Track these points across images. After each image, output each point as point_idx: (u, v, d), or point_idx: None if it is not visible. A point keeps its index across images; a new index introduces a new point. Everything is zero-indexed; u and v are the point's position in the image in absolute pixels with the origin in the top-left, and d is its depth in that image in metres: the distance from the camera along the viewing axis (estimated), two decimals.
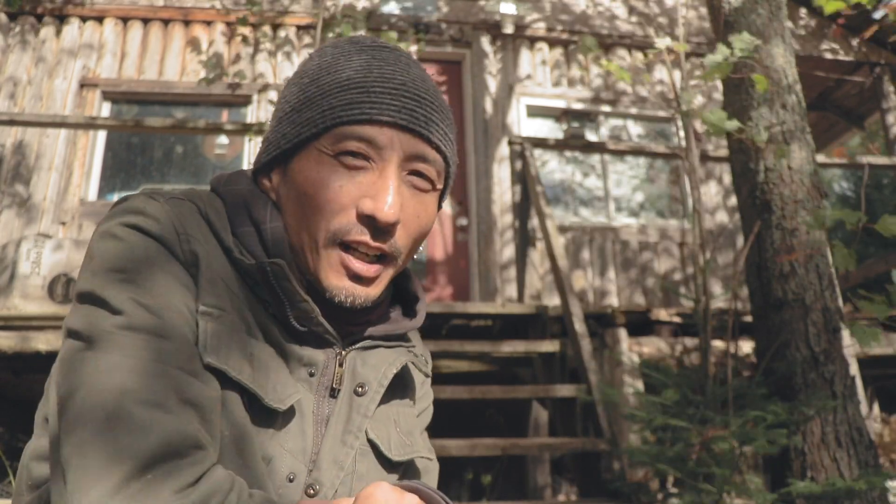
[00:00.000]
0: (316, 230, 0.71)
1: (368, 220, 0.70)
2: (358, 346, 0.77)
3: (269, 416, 0.68)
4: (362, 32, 5.07)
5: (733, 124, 2.73)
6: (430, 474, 0.85)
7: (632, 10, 6.29)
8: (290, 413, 0.69)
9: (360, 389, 0.75)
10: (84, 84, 5.30)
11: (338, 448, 0.72)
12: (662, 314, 3.97)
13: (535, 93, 5.91)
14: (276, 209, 0.75)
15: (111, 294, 0.62)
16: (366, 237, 0.70)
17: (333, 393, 0.74)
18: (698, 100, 5.99)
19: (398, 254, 0.73)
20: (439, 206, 0.80)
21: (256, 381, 0.66)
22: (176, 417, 0.58)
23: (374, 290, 0.73)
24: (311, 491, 0.70)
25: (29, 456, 0.70)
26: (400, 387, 0.81)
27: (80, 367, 0.59)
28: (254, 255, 0.72)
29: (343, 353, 0.75)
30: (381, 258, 0.72)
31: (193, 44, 5.56)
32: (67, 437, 0.56)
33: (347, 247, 0.71)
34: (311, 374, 0.72)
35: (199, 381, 0.62)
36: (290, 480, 0.68)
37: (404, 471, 0.81)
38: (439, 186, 0.77)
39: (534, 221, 5.03)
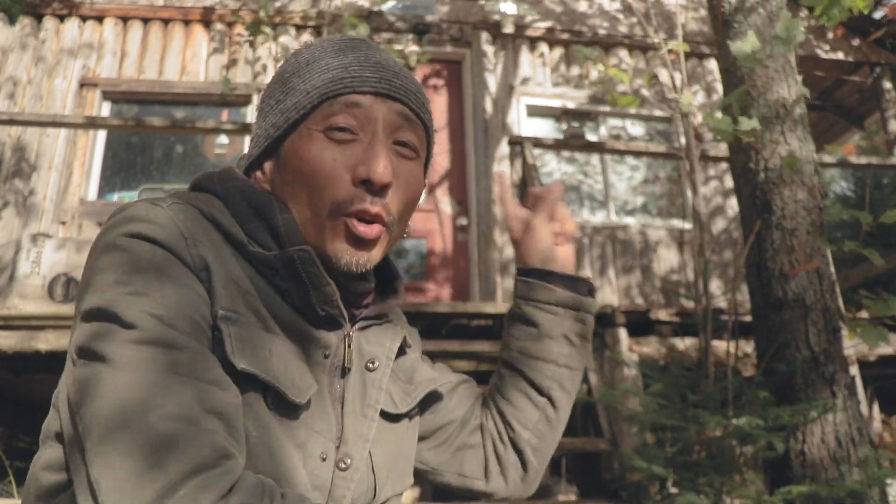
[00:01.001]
0: (318, 203, 0.73)
1: (365, 185, 0.73)
2: (357, 326, 0.80)
3: (294, 406, 0.69)
4: (364, 31, 5.06)
5: (741, 125, 2.72)
6: (463, 383, 0.96)
7: (631, 11, 6.29)
8: (311, 398, 0.72)
9: (371, 365, 0.79)
10: (84, 84, 5.30)
11: (360, 421, 0.76)
12: (662, 314, 3.97)
13: (535, 93, 5.91)
14: (279, 200, 0.77)
15: (122, 308, 0.61)
16: (365, 204, 0.73)
17: (343, 372, 0.77)
18: (698, 99, 5.99)
19: (393, 219, 0.76)
20: (424, 177, 0.84)
21: (279, 378, 0.68)
22: (202, 429, 0.57)
23: (376, 253, 0.76)
24: (343, 465, 0.73)
25: (40, 466, 0.69)
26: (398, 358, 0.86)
27: (100, 387, 0.58)
28: (267, 248, 0.73)
29: (350, 333, 0.78)
30: (379, 219, 0.75)
31: (193, 45, 5.56)
32: (95, 458, 0.56)
33: (349, 216, 0.74)
34: (326, 356, 0.75)
35: (220, 390, 0.62)
36: (323, 459, 0.71)
37: (422, 405, 0.87)
38: (423, 154, 0.81)
39: None
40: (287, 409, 0.69)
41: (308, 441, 0.70)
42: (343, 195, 0.73)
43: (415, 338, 0.94)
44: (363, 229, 0.73)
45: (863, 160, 5.27)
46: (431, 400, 0.89)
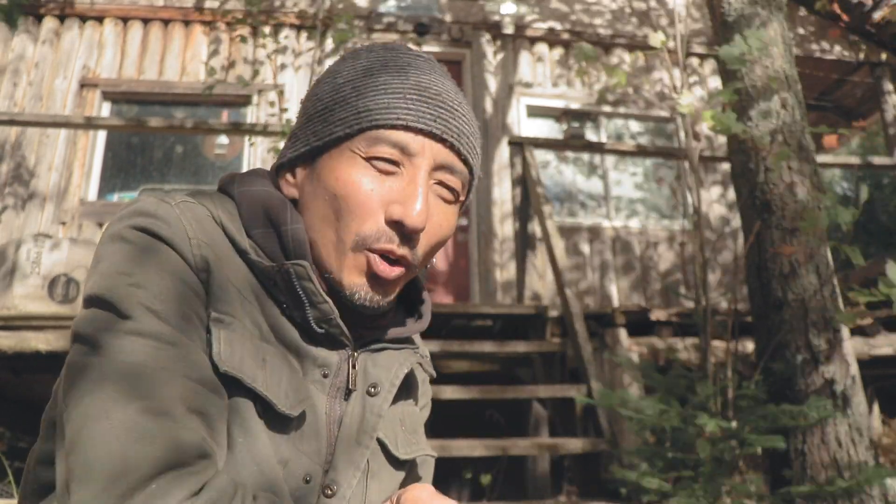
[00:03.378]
0: (344, 232, 0.70)
1: (396, 226, 0.70)
2: (368, 348, 0.77)
3: (283, 420, 0.68)
4: (363, 36, 5.06)
5: (740, 126, 2.73)
6: (428, 467, 0.87)
7: (632, 11, 6.29)
8: (303, 415, 0.69)
9: (372, 390, 0.75)
10: (84, 84, 5.30)
11: (353, 448, 0.72)
12: (662, 314, 3.97)
13: (535, 93, 5.91)
14: (296, 210, 0.75)
15: (120, 298, 0.62)
16: (392, 245, 0.70)
17: (346, 394, 0.74)
18: (698, 94, 5.99)
19: (417, 261, 0.73)
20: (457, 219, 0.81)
21: (269, 388, 0.66)
22: (182, 426, 0.57)
23: (391, 295, 0.74)
24: (329, 491, 0.70)
25: (35, 460, 0.70)
26: (406, 387, 0.82)
27: (87, 374, 0.59)
28: (272, 257, 0.71)
29: (355, 354, 0.75)
30: (402, 262, 0.73)
31: (193, 45, 5.56)
32: (73, 445, 0.56)
33: (373, 251, 0.71)
34: (325, 376, 0.73)
35: (206, 390, 0.62)
36: (307, 482, 0.69)
37: (409, 467, 0.82)
38: (462, 198, 0.77)
39: (534, 221, 5.03)
40: (276, 421, 0.67)
41: (291, 459, 0.68)
42: (371, 230, 0.70)
43: (426, 386, 0.90)
44: (384, 268, 0.71)
45: (852, 159, 5.27)
46: (413, 464, 0.84)
